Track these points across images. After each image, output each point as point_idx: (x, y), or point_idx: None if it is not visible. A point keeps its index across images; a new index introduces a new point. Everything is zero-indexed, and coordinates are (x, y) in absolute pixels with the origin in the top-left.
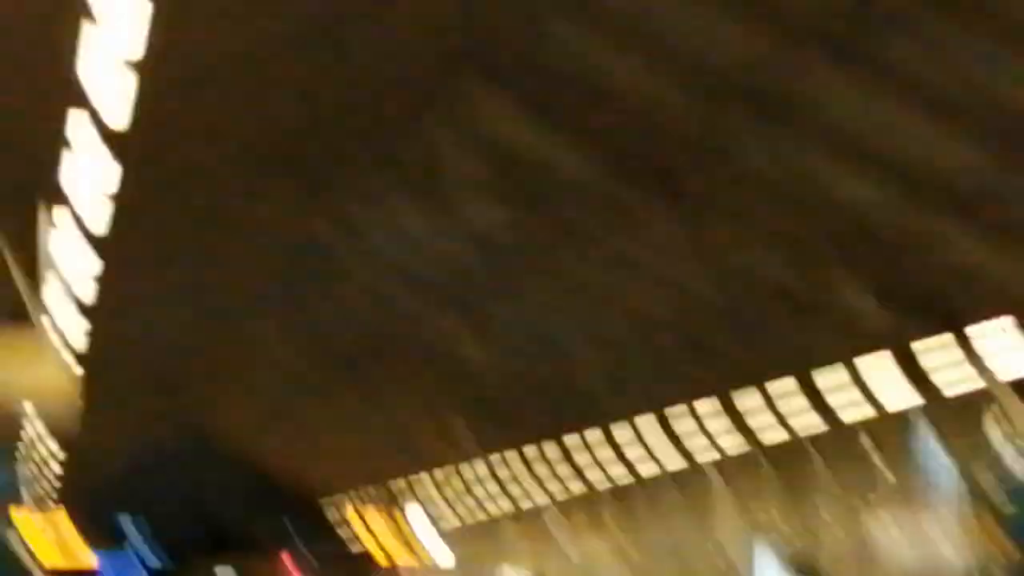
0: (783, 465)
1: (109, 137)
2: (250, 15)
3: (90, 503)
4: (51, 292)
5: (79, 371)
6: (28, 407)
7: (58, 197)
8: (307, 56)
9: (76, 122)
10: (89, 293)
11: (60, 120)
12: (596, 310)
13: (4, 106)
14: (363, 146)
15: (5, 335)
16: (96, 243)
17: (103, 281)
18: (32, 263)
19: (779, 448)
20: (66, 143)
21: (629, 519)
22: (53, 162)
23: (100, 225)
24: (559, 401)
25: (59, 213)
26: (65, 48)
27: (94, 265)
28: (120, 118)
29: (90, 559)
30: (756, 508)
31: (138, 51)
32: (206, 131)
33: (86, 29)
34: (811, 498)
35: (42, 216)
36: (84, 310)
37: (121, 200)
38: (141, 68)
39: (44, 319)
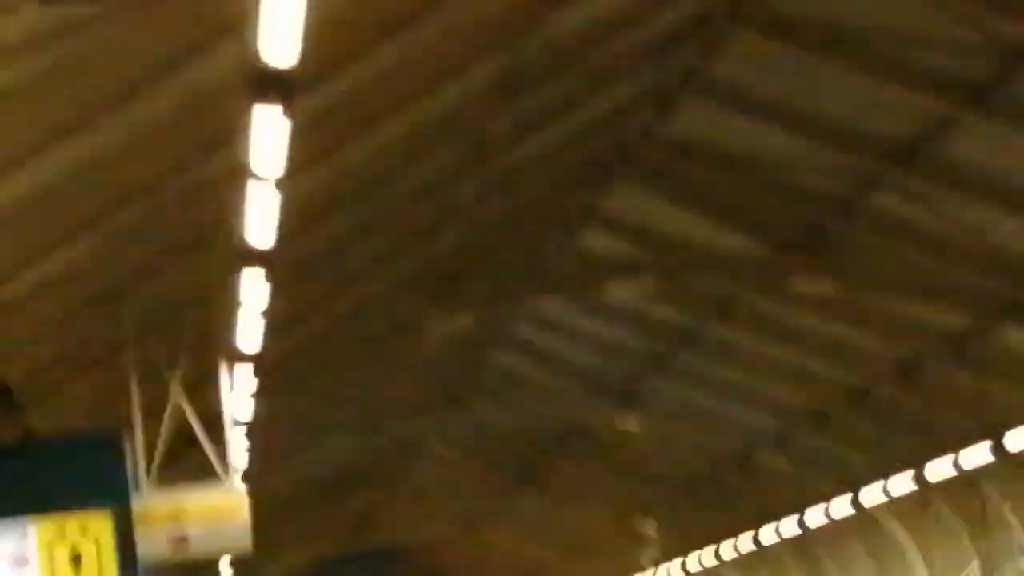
0: None
1: (257, 257)
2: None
3: None
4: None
5: (245, 491)
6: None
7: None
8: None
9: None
10: (248, 410)
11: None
12: (770, 384)
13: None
14: (518, 252)
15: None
16: (253, 359)
17: (261, 397)
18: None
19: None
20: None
21: None
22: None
23: (255, 342)
24: (746, 491)
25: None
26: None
27: (250, 379)
28: (266, 237)
29: None
30: None
31: (279, 169)
32: (355, 243)
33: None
34: None
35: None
36: (246, 424)
37: (274, 316)
38: (282, 186)
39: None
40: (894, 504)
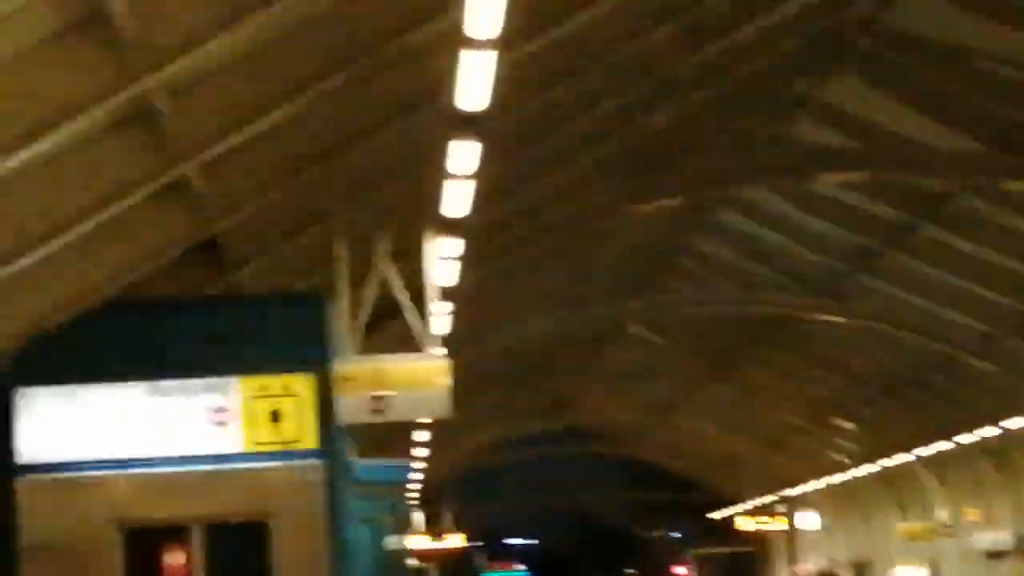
0: None
1: (468, 123)
2: None
3: (458, 497)
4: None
5: (446, 356)
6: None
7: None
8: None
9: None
10: (453, 276)
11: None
12: (978, 287)
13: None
14: (729, 137)
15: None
16: (459, 226)
17: (468, 263)
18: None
19: None
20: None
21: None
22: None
23: (463, 208)
24: (947, 394)
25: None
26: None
27: (457, 247)
28: (479, 104)
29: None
30: None
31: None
32: (566, 117)
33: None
34: None
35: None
36: (449, 293)
37: (481, 185)
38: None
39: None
40: None
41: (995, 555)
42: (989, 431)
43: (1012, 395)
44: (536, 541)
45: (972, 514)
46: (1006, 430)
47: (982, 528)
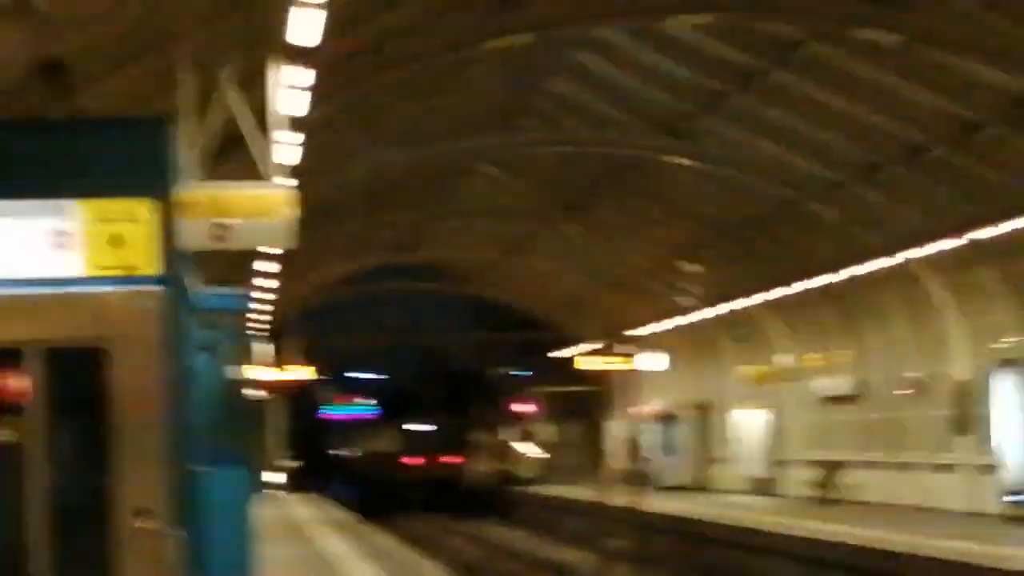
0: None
1: None
2: None
3: (307, 331)
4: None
5: (293, 186)
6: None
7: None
8: None
9: None
10: (299, 108)
11: None
12: (825, 133)
13: None
14: None
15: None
16: (310, 55)
17: (317, 94)
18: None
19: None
20: None
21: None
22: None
23: (313, 37)
24: (792, 240)
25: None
26: None
27: (307, 77)
28: None
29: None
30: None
31: None
32: None
33: None
34: None
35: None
36: (296, 124)
37: (331, 12)
38: None
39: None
40: (937, 263)
41: (834, 400)
42: (832, 277)
43: (855, 242)
44: (384, 377)
45: (813, 360)
46: (849, 276)
47: (823, 373)
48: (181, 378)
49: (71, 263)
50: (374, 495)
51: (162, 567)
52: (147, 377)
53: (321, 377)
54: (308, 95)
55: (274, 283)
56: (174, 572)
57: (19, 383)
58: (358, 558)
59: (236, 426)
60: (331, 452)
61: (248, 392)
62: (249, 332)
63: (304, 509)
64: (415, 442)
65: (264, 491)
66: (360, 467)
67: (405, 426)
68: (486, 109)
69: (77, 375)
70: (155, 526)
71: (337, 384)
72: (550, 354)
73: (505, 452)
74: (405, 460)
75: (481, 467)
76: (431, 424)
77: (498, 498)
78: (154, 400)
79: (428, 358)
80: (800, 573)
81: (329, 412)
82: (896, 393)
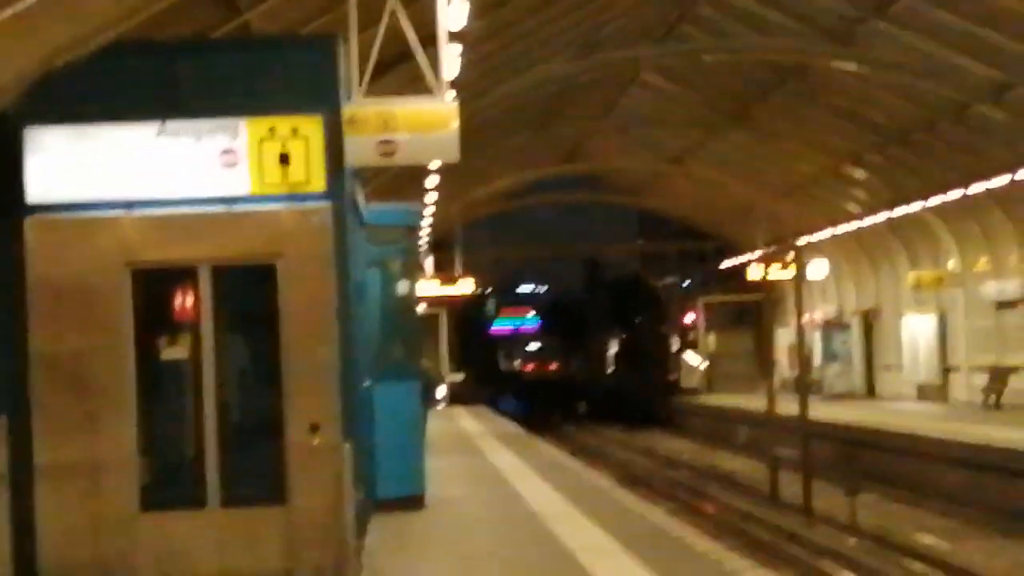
0: None
1: None
2: None
3: (473, 243)
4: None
5: (454, 100)
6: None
7: None
8: None
9: None
10: (463, 19)
11: None
12: (993, 34)
13: None
14: None
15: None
16: None
17: (478, 5)
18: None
19: None
20: None
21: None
22: None
23: None
24: (961, 143)
25: None
26: None
27: None
28: None
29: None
30: None
31: None
32: None
33: None
34: None
35: None
36: (461, 37)
37: None
38: None
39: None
40: None
41: (1003, 305)
42: (1000, 180)
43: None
44: (546, 288)
45: (981, 264)
46: (1017, 180)
47: (991, 277)
48: (350, 293)
49: (240, 181)
50: (541, 407)
51: (334, 480)
52: (317, 292)
53: (485, 290)
54: (468, 7)
55: (436, 196)
56: (346, 485)
57: (193, 300)
58: (528, 470)
59: (407, 340)
60: (497, 364)
61: (418, 306)
62: (418, 247)
63: (472, 422)
64: (578, 354)
65: (435, 405)
66: (525, 379)
67: (568, 338)
68: (651, 18)
69: (249, 291)
70: (327, 439)
71: (501, 296)
72: (722, 264)
73: (672, 362)
74: (568, 372)
75: (647, 378)
76: (594, 336)
77: (666, 408)
78: (324, 316)
79: (592, 269)
80: (968, 478)
81: (494, 325)
82: None
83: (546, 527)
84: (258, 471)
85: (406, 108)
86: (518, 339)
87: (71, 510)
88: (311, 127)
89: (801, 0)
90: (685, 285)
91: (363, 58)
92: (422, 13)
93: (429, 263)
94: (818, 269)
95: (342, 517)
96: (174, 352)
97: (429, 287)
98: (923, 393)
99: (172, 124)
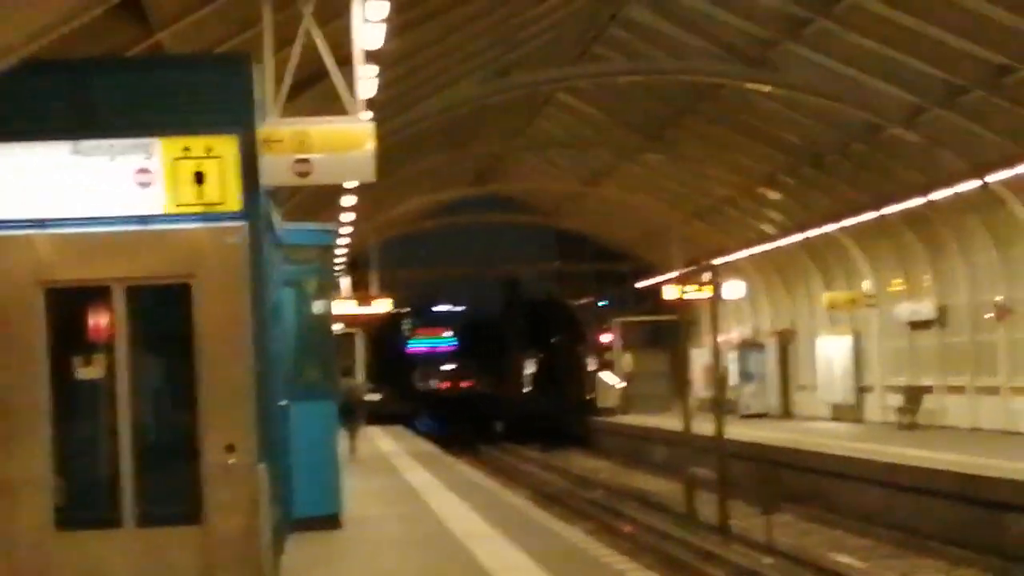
0: None
1: None
2: None
3: (389, 263)
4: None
5: (370, 120)
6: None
7: None
8: None
9: None
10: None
11: None
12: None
13: None
14: None
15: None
16: None
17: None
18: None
19: None
20: None
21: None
22: None
23: None
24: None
25: None
26: None
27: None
28: None
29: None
30: None
31: None
32: None
33: None
34: None
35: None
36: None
37: None
38: None
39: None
40: (1021, 186)
41: (917, 325)
42: (914, 202)
43: (937, 166)
44: (462, 308)
45: (895, 285)
46: (930, 201)
47: (904, 298)
48: (266, 313)
49: (155, 200)
50: (457, 427)
51: (250, 499)
52: (232, 312)
53: (402, 310)
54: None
55: (352, 216)
56: (262, 504)
57: (108, 319)
58: (445, 489)
59: (323, 360)
60: (413, 384)
61: (334, 326)
62: (333, 267)
63: (389, 441)
64: (494, 374)
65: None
66: (442, 398)
67: (485, 358)
68: (565, 40)
69: (163, 311)
70: (243, 459)
71: (417, 316)
72: (637, 284)
73: (587, 382)
74: (485, 391)
75: (563, 398)
76: (511, 356)
77: (581, 428)
78: (239, 335)
79: (508, 289)
80: (884, 497)
81: (410, 345)
82: (982, 317)
83: (463, 546)
84: (174, 491)
85: (322, 128)
86: (435, 358)
87: None
88: (226, 146)
89: (715, 22)
90: (601, 305)
91: (278, 78)
92: (338, 33)
93: (346, 283)
94: (734, 289)
95: (258, 537)
96: (89, 371)
97: (345, 307)
98: (838, 413)
99: (86, 143)
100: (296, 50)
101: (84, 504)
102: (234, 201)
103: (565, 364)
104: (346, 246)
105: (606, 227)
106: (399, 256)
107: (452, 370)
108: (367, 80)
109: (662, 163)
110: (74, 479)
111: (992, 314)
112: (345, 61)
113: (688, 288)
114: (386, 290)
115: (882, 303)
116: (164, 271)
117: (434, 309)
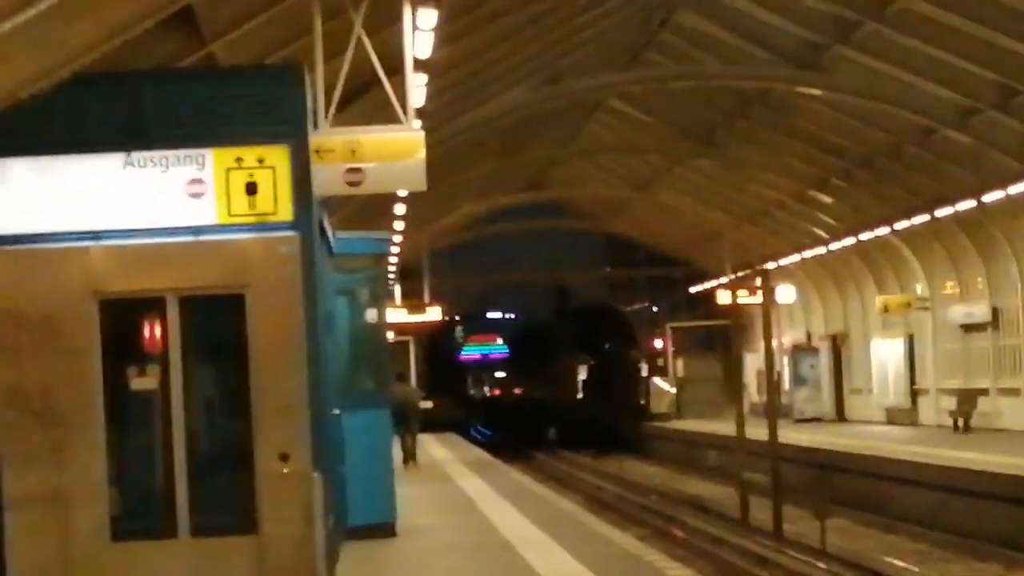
0: None
1: None
2: None
3: (441, 271)
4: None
5: (420, 128)
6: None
7: None
8: None
9: None
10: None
11: None
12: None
13: None
14: None
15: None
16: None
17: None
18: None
19: None
20: None
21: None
22: None
23: None
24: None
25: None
26: None
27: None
28: None
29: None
30: None
31: None
32: None
33: None
34: None
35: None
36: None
37: None
38: None
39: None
40: None
41: (970, 328)
42: (966, 204)
43: (990, 168)
44: (514, 315)
45: (948, 288)
46: (983, 203)
47: (957, 301)
48: (318, 322)
49: (207, 211)
50: (510, 433)
51: (304, 508)
52: (285, 322)
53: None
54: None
55: (403, 225)
56: (316, 513)
57: (161, 329)
58: (498, 496)
59: (376, 368)
60: (466, 391)
61: (386, 334)
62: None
63: (442, 449)
64: (547, 380)
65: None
66: (495, 405)
67: (537, 364)
68: (616, 46)
69: (217, 321)
70: (297, 468)
71: (469, 323)
72: (690, 290)
73: (640, 388)
74: (537, 398)
75: (616, 403)
76: (564, 362)
77: (634, 434)
78: (292, 345)
79: (559, 295)
80: (939, 501)
81: (463, 352)
82: None
83: (518, 554)
84: (228, 500)
85: (373, 137)
86: (487, 365)
87: (41, 541)
88: (278, 156)
89: (766, 27)
90: (654, 311)
91: (329, 87)
92: (388, 42)
93: (397, 291)
94: (786, 294)
95: (312, 546)
96: (143, 382)
97: (398, 315)
98: (892, 416)
99: (138, 154)
100: (347, 59)
101: (139, 514)
102: (286, 211)
103: (617, 370)
104: (398, 255)
105: (657, 232)
106: (450, 263)
107: (505, 377)
108: (417, 88)
109: (712, 167)
110: (129, 489)
111: None
112: (395, 70)
113: (740, 293)
114: (439, 298)
115: (935, 306)
116: (217, 281)
117: (487, 316)
